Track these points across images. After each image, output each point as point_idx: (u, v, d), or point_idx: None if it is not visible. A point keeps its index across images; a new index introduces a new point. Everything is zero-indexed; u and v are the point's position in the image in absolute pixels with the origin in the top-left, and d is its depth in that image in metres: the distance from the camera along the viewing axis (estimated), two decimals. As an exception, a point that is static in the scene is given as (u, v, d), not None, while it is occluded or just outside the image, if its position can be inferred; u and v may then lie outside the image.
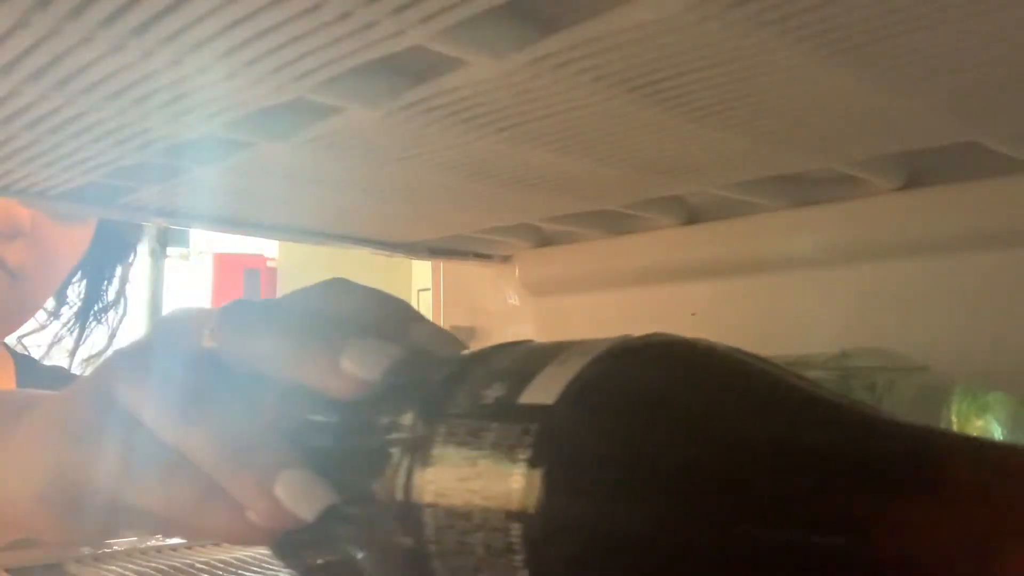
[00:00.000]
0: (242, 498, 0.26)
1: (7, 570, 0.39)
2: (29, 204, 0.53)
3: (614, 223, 0.52)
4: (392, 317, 0.29)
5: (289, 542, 0.27)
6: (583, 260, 0.55)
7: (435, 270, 0.66)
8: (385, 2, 0.22)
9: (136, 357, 0.29)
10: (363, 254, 0.56)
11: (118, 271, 0.85)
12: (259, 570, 0.40)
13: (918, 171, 0.41)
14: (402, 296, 0.31)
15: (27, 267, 0.70)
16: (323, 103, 0.29)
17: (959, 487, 0.17)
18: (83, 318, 0.84)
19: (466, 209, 0.45)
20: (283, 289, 3.30)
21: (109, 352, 0.86)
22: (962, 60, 0.26)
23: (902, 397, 0.34)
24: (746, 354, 0.22)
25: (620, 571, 0.19)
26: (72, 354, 0.85)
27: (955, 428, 0.33)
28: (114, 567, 0.40)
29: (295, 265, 3.27)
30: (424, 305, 0.58)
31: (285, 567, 0.29)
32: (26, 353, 0.84)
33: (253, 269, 3.52)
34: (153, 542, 0.45)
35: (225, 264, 3.53)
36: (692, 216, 0.49)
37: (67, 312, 0.84)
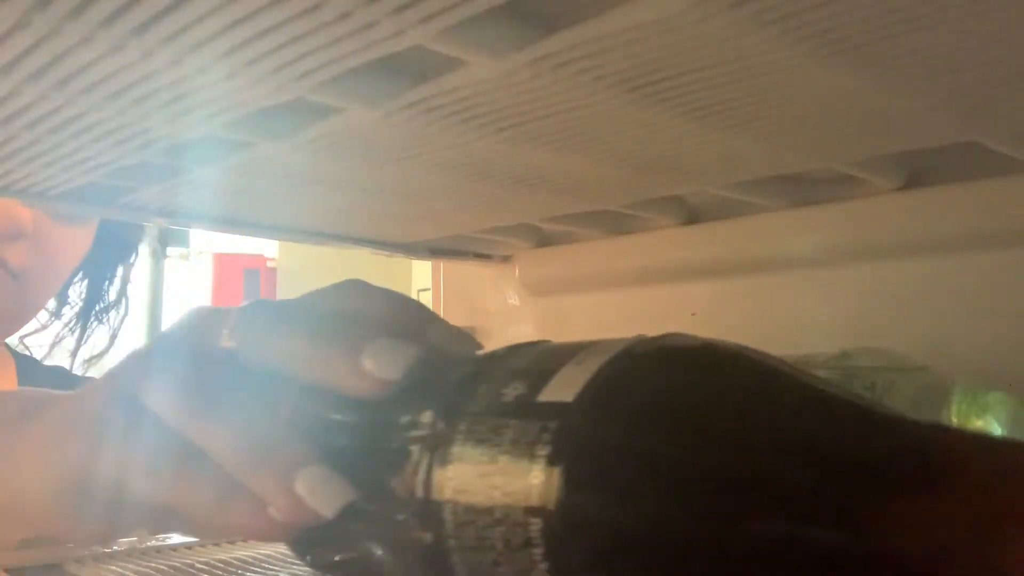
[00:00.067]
0: (263, 495, 0.26)
1: (7, 570, 0.39)
2: (30, 204, 0.53)
3: (614, 223, 0.52)
4: (408, 317, 0.30)
5: (308, 538, 0.27)
6: (583, 260, 0.55)
7: (435, 270, 0.66)
8: (385, 2, 0.22)
9: (155, 357, 0.30)
10: (363, 254, 0.56)
11: (119, 271, 0.86)
12: (259, 570, 0.40)
13: (918, 171, 0.41)
14: (402, 296, 0.32)
15: (29, 268, 0.70)
16: (323, 103, 0.29)
17: (981, 483, 0.17)
18: (84, 318, 0.84)
19: (466, 209, 0.45)
20: (283, 289, 3.31)
21: (111, 352, 0.86)
22: (962, 60, 0.26)
23: (902, 397, 0.34)
24: (759, 353, 0.22)
25: (636, 562, 0.19)
26: (73, 354, 0.85)
27: (955, 428, 0.33)
28: (114, 567, 0.40)
29: (295, 265, 3.27)
30: (424, 305, 0.58)
31: (302, 564, 0.29)
32: (28, 353, 0.84)
33: (253, 269, 3.52)
34: (153, 542, 0.45)
35: (225, 264, 3.53)
36: (692, 216, 0.49)
37: (68, 312, 0.84)
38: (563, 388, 0.22)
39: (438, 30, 0.23)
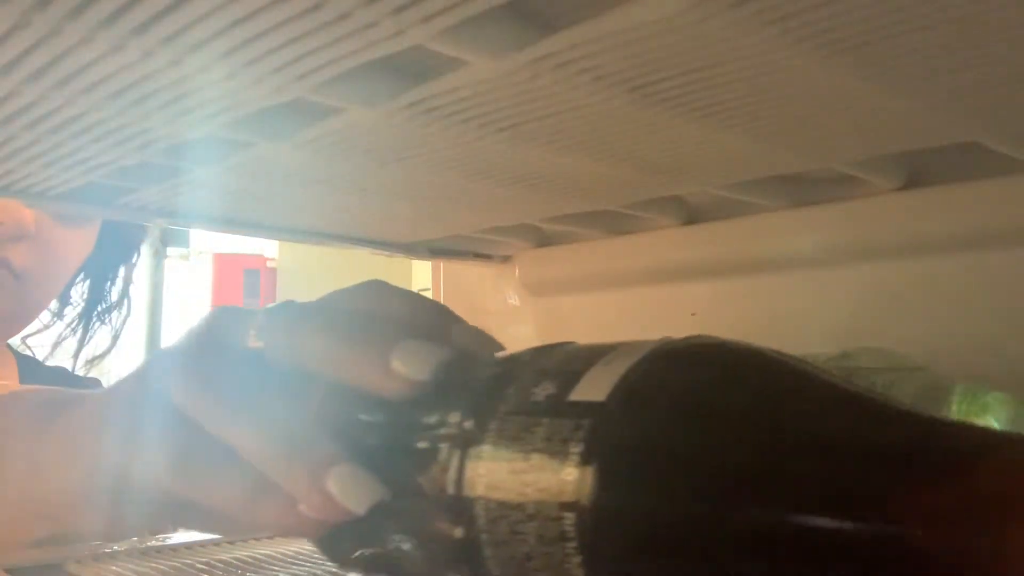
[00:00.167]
0: (295, 492, 0.27)
1: (7, 570, 0.39)
2: (30, 204, 0.53)
3: (614, 223, 0.52)
4: (431, 318, 0.30)
5: (334, 535, 0.28)
6: (583, 260, 0.55)
7: (435, 270, 0.66)
8: (385, 2, 0.22)
9: (185, 356, 0.30)
10: (363, 254, 0.56)
11: (122, 272, 0.86)
12: (259, 571, 0.40)
13: (918, 171, 0.41)
14: (402, 296, 0.32)
15: (32, 269, 0.70)
16: (323, 103, 0.29)
17: (997, 474, 0.18)
18: (87, 319, 0.84)
19: (466, 209, 0.45)
20: (283, 289, 3.31)
21: (112, 353, 0.86)
22: (962, 60, 0.26)
23: (902, 397, 0.34)
24: (781, 353, 0.23)
25: (667, 554, 0.20)
26: (75, 355, 0.86)
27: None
28: (114, 567, 0.40)
29: (295, 265, 3.28)
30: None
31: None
32: (30, 354, 0.84)
33: (253, 269, 3.52)
34: (153, 542, 0.45)
35: (225, 264, 3.53)
36: (692, 216, 0.49)
37: (71, 313, 0.84)
38: (594, 388, 0.23)
39: (438, 30, 0.23)
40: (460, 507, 0.24)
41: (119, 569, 0.40)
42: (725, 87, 0.28)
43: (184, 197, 0.41)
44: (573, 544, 0.21)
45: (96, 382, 0.87)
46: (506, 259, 0.60)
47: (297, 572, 0.39)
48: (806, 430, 0.20)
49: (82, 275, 0.82)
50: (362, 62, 0.25)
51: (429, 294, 0.66)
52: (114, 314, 0.86)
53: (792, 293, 0.47)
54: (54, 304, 0.82)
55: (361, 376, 0.27)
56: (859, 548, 0.18)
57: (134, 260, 0.87)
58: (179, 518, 0.34)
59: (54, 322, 0.84)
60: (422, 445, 0.26)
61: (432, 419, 0.26)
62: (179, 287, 3.11)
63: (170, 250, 2.53)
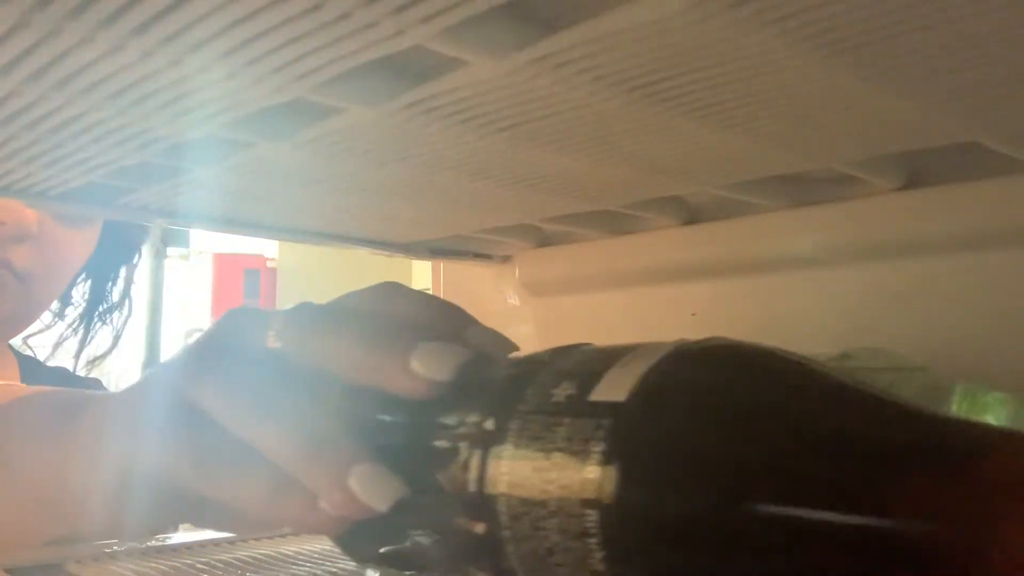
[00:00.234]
0: (317, 490, 0.27)
1: (7, 570, 0.39)
2: (30, 205, 0.53)
3: (614, 223, 0.52)
4: (447, 319, 0.31)
5: (354, 532, 0.28)
6: (583, 260, 0.55)
7: (435, 270, 0.66)
8: (385, 2, 0.22)
9: (204, 357, 0.31)
10: (363, 254, 0.56)
11: (123, 272, 0.86)
12: (260, 571, 0.40)
13: (918, 171, 0.41)
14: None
15: (34, 270, 0.70)
16: (323, 103, 0.29)
17: (1004, 469, 0.18)
18: (88, 319, 0.84)
19: (466, 209, 0.46)
20: (283, 289, 3.31)
21: (113, 353, 0.86)
22: (962, 60, 0.26)
23: (902, 397, 0.34)
24: (793, 354, 0.24)
25: (687, 549, 0.21)
26: (77, 355, 0.86)
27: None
28: (114, 567, 0.40)
29: (295, 265, 3.28)
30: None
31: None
32: (31, 354, 0.84)
33: (253, 269, 3.53)
34: (154, 542, 0.45)
35: (225, 264, 3.53)
36: (692, 216, 0.49)
37: (72, 313, 0.84)
38: (614, 389, 0.23)
39: (438, 30, 0.23)
40: (482, 504, 0.24)
41: (119, 569, 0.40)
42: (725, 87, 0.28)
43: (184, 197, 0.41)
44: (595, 540, 0.22)
45: (97, 382, 0.87)
46: (506, 259, 0.60)
47: (297, 572, 0.39)
48: (821, 427, 0.21)
49: (83, 275, 0.82)
50: (362, 62, 0.25)
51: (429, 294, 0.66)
52: (115, 314, 0.86)
53: (792, 293, 0.47)
54: (55, 304, 0.82)
55: (381, 377, 0.28)
56: (881, 542, 0.18)
57: (135, 260, 0.87)
58: (196, 516, 0.34)
59: (55, 322, 0.84)
60: (442, 444, 0.26)
61: (452, 419, 0.26)
62: (179, 287, 3.11)
63: (170, 250, 2.53)
